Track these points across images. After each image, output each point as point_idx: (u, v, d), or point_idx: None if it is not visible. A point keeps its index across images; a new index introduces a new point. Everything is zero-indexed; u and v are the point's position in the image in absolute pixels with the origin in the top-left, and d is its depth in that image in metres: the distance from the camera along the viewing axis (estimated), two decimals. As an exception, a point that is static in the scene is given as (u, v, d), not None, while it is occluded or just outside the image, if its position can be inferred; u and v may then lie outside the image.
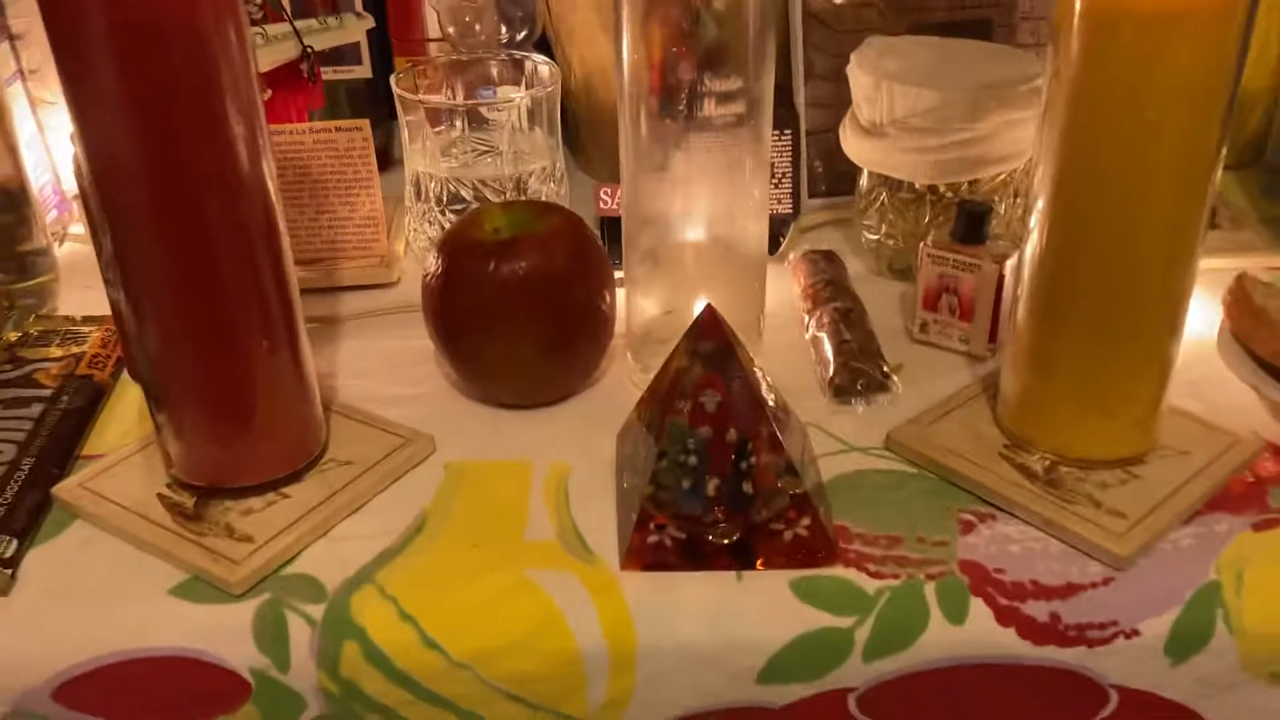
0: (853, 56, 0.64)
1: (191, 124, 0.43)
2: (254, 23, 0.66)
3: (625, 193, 0.56)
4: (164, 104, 0.43)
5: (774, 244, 0.69)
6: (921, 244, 0.59)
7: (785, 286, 0.66)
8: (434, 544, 0.48)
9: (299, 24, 0.66)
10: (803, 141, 0.73)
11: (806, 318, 0.62)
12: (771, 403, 0.49)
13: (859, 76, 0.64)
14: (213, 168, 0.44)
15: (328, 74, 0.75)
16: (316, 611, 0.45)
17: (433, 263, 0.55)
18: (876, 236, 0.67)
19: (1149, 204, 0.45)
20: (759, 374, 0.49)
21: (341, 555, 0.47)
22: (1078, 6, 0.43)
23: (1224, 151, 0.45)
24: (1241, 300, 0.54)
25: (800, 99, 0.74)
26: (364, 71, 0.78)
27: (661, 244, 0.56)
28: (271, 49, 0.64)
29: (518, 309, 0.53)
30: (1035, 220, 0.47)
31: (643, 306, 0.58)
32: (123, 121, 0.43)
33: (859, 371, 0.56)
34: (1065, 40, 0.44)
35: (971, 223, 0.58)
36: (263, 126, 0.46)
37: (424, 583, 0.46)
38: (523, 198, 0.66)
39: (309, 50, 0.65)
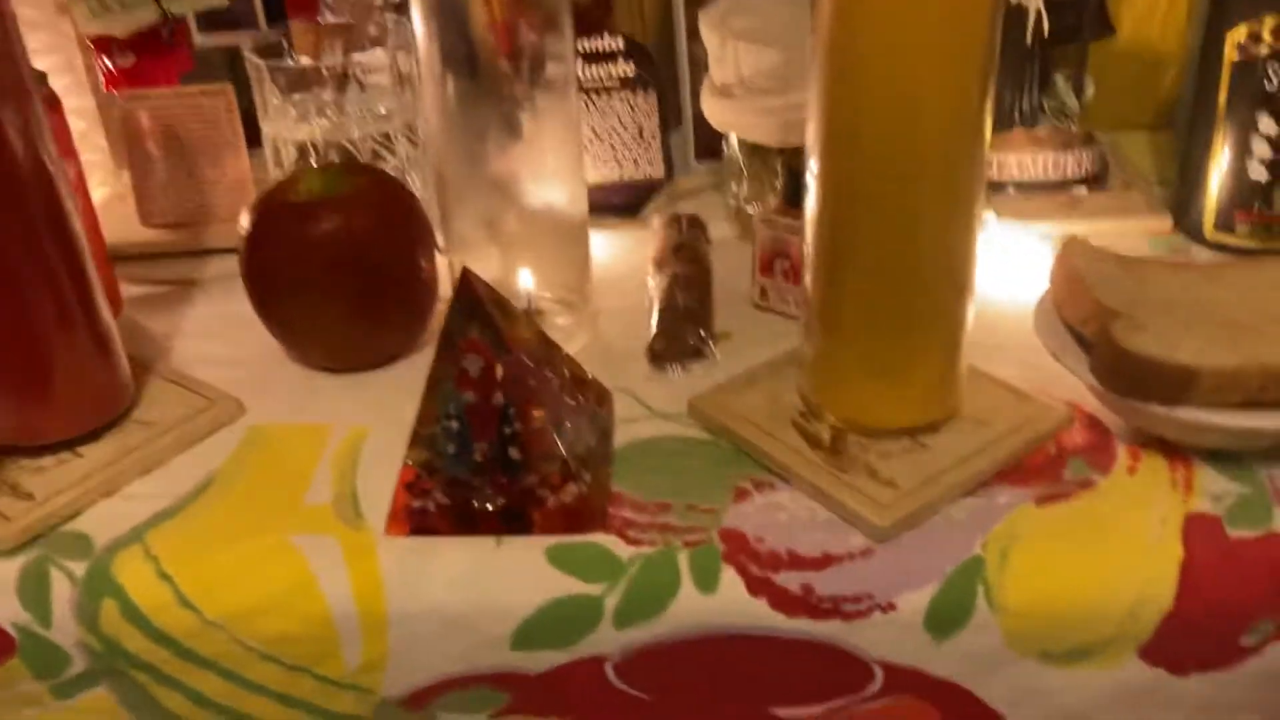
0: (700, 14, 0.63)
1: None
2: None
3: (441, 163, 0.55)
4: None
5: (639, 207, 0.68)
6: (754, 209, 0.58)
7: (647, 250, 0.65)
8: (212, 506, 0.48)
9: (160, -12, 0.67)
10: (686, 102, 0.72)
11: (651, 282, 0.61)
12: (565, 370, 0.49)
13: (708, 35, 0.62)
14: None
15: (217, 40, 0.75)
16: (79, 569, 0.45)
17: (244, 223, 0.55)
18: (737, 202, 0.65)
19: (914, 162, 0.43)
20: (546, 343, 0.48)
21: (121, 514, 0.48)
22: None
23: (991, 105, 0.42)
24: (1064, 265, 0.51)
25: (684, 59, 0.72)
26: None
27: (478, 212, 0.56)
28: (129, 15, 0.65)
29: (319, 271, 0.53)
30: (811, 181, 0.46)
31: (469, 273, 0.58)
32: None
33: (675, 338, 0.55)
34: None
35: (799, 185, 0.56)
36: (36, 112, 0.46)
37: (190, 544, 0.46)
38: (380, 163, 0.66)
39: (168, 14, 0.66)
